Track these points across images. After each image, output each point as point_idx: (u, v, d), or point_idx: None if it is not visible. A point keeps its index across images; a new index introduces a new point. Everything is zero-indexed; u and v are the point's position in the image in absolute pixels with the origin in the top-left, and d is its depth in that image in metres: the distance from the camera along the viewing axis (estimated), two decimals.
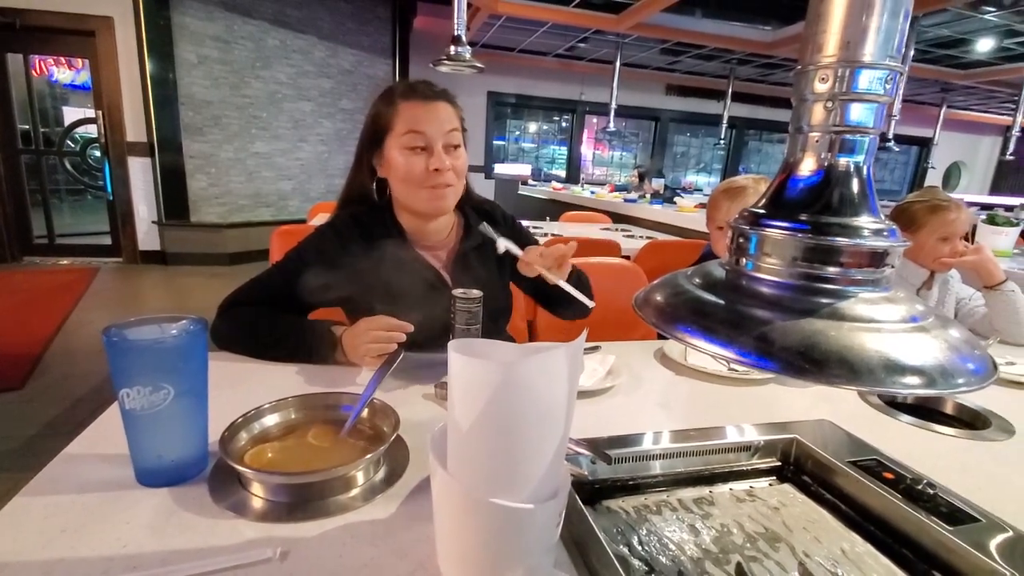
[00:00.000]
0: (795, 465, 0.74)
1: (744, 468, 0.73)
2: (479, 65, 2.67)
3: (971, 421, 0.88)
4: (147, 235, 4.64)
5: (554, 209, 4.78)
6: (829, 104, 0.43)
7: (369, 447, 0.62)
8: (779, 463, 0.75)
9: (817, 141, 0.45)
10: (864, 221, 0.44)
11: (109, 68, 4.31)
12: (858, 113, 0.43)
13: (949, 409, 0.92)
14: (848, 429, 0.78)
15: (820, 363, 0.39)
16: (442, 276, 1.04)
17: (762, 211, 0.46)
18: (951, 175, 10.59)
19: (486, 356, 0.40)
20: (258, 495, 0.55)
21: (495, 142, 8.01)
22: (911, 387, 0.39)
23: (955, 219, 1.38)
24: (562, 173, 8.56)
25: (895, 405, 0.92)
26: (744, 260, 0.47)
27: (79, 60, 4.59)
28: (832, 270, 0.44)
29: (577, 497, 0.58)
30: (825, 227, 0.43)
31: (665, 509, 0.64)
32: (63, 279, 4.09)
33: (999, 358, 1.11)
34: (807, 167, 0.46)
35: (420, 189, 0.96)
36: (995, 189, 10.19)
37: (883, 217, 0.45)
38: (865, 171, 0.45)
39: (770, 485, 0.71)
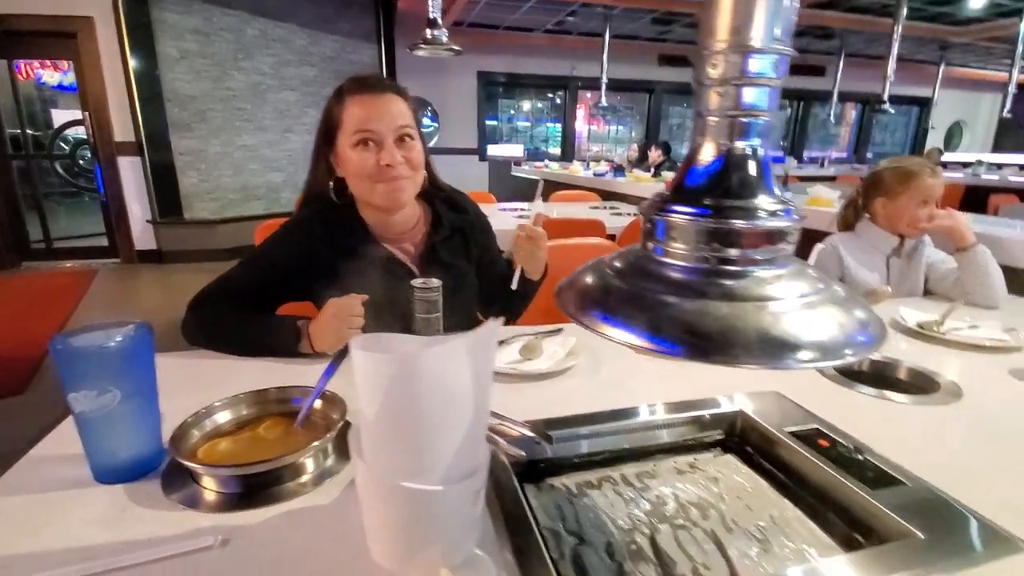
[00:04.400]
0: (740, 437, 0.76)
1: (690, 442, 0.76)
2: (457, 48, 2.65)
3: (923, 386, 0.90)
4: (142, 234, 4.67)
5: (548, 189, 4.76)
6: (723, 89, 0.44)
7: (319, 437, 0.64)
8: (725, 435, 0.77)
9: (715, 126, 0.46)
10: (761, 202, 0.45)
11: (93, 68, 4.28)
12: (751, 96, 0.44)
13: (903, 375, 0.94)
14: (801, 401, 0.80)
15: (717, 343, 0.41)
16: (410, 268, 1.06)
17: (668, 196, 0.48)
18: (953, 135, 10.42)
19: (389, 350, 0.42)
20: (208, 487, 0.58)
21: (488, 122, 7.94)
22: (803, 361, 0.40)
23: (933, 183, 1.39)
24: (557, 151, 8.50)
25: (851, 375, 0.94)
26: (652, 245, 0.49)
27: (64, 62, 4.57)
28: (732, 252, 0.45)
29: (514, 476, 0.60)
30: (726, 211, 0.45)
31: (606, 484, 0.67)
32: (62, 282, 4.14)
33: (962, 321, 1.12)
34: (708, 152, 0.47)
35: (374, 184, 0.97)
36: (997, 147, 10.02)
37: (780, 195, 0.46)
38: (761, 152, 0.46)
39: (714, 457, 0.74)
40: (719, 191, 0.46)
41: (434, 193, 1.13)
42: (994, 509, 0.56)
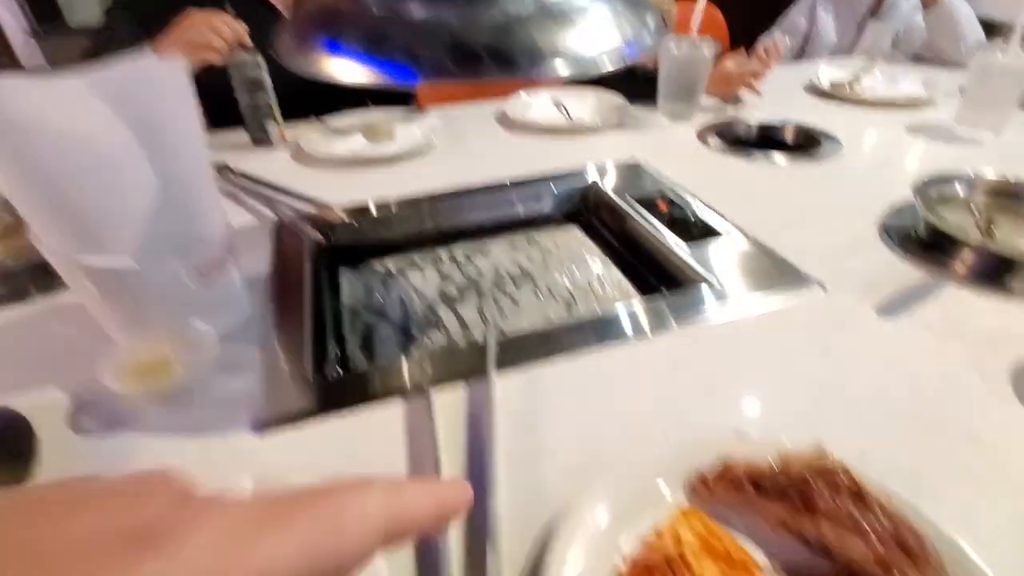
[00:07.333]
0: (590, 209, 0.71)
1: (537, 216, 0.71)
2: None
3: (805, 146, 0.83)
4: (28, 52, 4.01)
5: None
6: None
7: None
8: (577, 209, 0.72)
9: None
10: None
11: None
12: None
13: (789, 136, 0.87)
14: (673, 168, 0.74)
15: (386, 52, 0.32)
16: (281, 13, 0.93)
17: None
18: None
19: None
20: None
21: None
22: (508, 71, 0.32)
23: None
24: None
25: (737, 141, 0.87)
26: None
27: None
28: None
29: (310, 258, 0.56)
30: None
31: (429, 264, 0.63)
32: None
33: (881, 79, 1.01)
34: None
35: None
36: None
37: None
38: None
39: (557, 229, 0.70)
40: None
41: None
42: (801, 254, 0.54)
